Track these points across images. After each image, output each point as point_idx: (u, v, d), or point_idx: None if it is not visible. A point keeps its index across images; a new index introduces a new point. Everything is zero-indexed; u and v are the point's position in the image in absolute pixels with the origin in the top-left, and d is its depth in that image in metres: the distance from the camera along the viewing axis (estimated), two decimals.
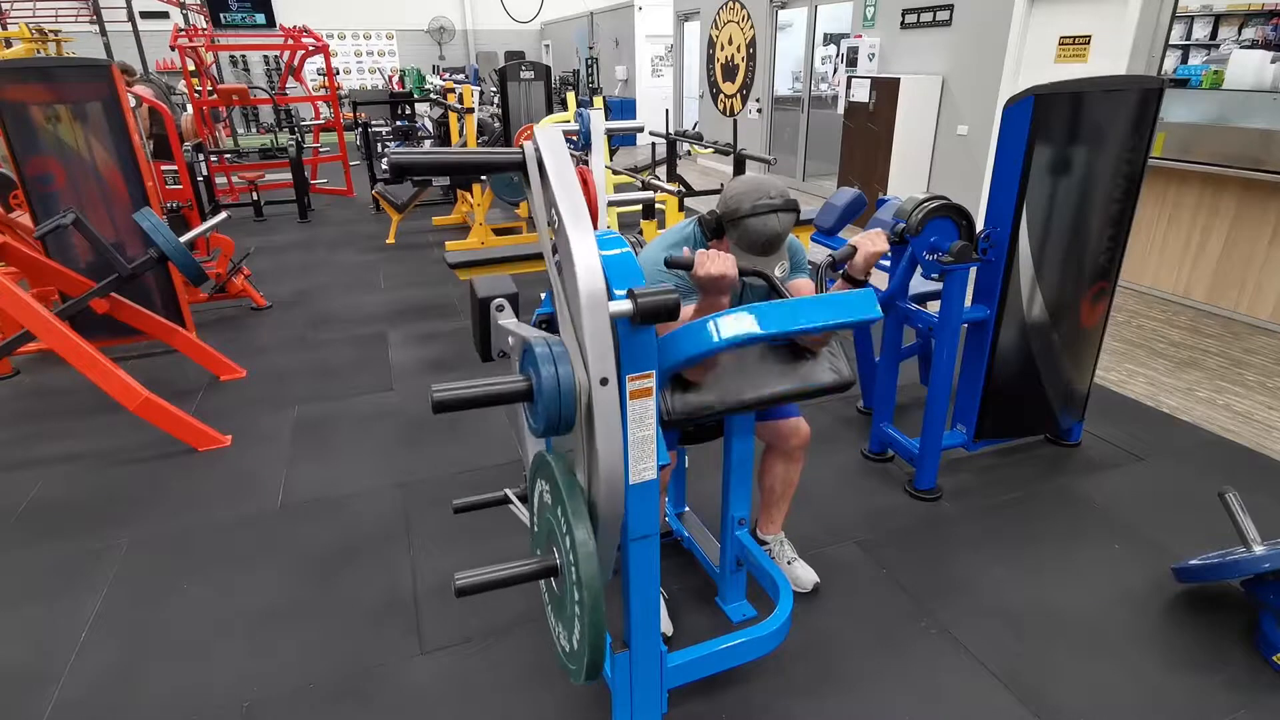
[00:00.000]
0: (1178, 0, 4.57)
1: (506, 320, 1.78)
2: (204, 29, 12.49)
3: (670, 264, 1.59)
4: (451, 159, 1.36)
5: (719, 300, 1.62)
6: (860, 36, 7.04)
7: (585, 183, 3.84)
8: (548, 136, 1.32)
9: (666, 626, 2.05)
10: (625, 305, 1.21)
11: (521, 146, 1.34)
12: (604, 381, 1.24)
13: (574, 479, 1.36)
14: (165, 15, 13.55)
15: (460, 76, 15.44)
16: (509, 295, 1.93)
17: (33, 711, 1.85)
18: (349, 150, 9.34)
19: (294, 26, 9.70)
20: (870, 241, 1.79)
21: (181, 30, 9.53)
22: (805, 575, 2.21)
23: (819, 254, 3.50)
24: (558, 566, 1.42)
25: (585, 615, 1.33)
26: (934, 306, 2.58)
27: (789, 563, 2.23)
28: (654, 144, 6.97)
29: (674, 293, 1.21)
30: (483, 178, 5.42)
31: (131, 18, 11.94)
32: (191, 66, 8.95)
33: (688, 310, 1.76)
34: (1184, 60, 6.59)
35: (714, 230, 1.79)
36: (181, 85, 10.43)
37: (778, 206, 1.69)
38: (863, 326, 1.71)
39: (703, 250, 1.60)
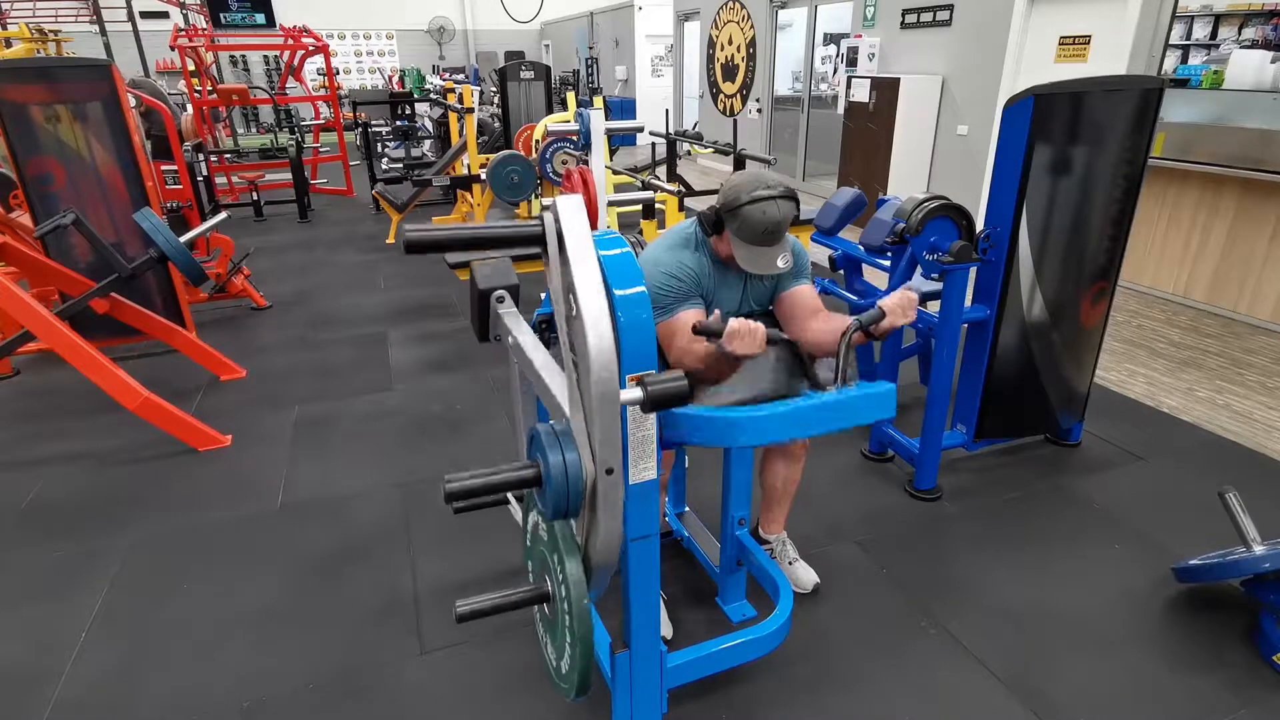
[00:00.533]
0: (1178, 0, 4.57)
1: (507, 309, 1.77)
2: (204, 29, 12.48)
3: (699, 330, 1.54)
4: (468, 235, 1.30)
5: (739, 363, 1.61)
6: (860, 36, 7.04)
7: (585, 183, 3.84)
8: (570, 211, 1.23)
9: (666, 629, 2.05)
10: (635, 394, 1.22)
11: (541, 218, 1.26)
12: (609, 471, 1.25)
13: (571, 534, 1.38)
14: (165, 15, 13.55)
15: (460, 76, 15.45)
16: (510, 287, 1.92)
17: (33, 711, 1.85)
18: (349, 150, 9.34)
19: (294, 26, 9.70)
20: (901, 313, 1.68)
21: (181, 30, 9.53)
22: (806, 576, 2.20)
23: (820, 254, 3.50)
24: (549, 594, 1.45)
25: (577, 649, 1.36)
26: (934, 306, 2.58)
27: (790, 563, 2.23)
28: (654, 144, 6.98)
29: (683, 380, 1.21)
30: (482, 177, 5.41)
31: (131, 18, 11.96)
32: (191, 66, 8.95)
33: (691, 314, 1.75)
34: (1184, 60, 6.60)
35: (713, 225, 1.77)
36: (180, 85, 10.43)
37: (776, 194, 1.67)
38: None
39: (737, 321, 1.52)
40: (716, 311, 1.60)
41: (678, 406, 1.23)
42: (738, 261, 1.73)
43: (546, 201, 1.27)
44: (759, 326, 1.53)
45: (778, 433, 1.47)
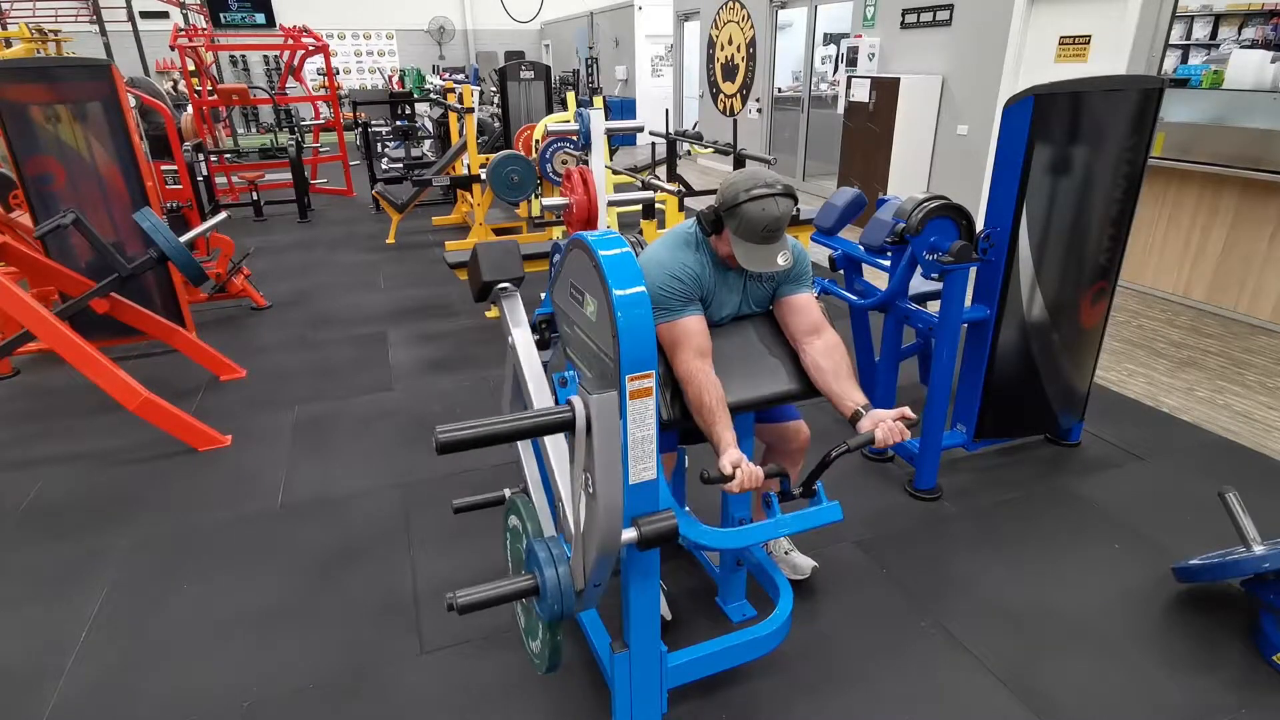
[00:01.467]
0: (1178, 0, 4.57)
1: (509, 296, 1.80)
2: (204, 29, 12.49)
3: (706, 480, 1.62)
4: (503, 429, 1.31)
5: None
6: (860, 36, 7.04)
7: (585, 183, 3.84)
8: (602, 410, 1.26)
9: (665, 612, 2.06)
10: (632, 535, 1.38)
11: (572, 404, 1.28)
12: (597, 585, 1.44)
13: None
14: (165, 15, 13.55)
15: (460, 76, 15.45)
16: (514, 280, 1.93)
17: (33, 711, 1.85)
18: (349, 150, 9.33)
19: (294, 26, 9.71)
20: (888, 442, 1.69)
21: (181, 30, 9.53)
22: (803, 562, 2.22)
23: (820, 254, 3.50)
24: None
25: (547, 641, 1.53)
26: (934, 306, 2.58)
27: (786, 553, 2.23)
28: (654, 144, 6.97)
29: (672, 520, 1.40)
30: (482, 177, 5.41)
31: (131, 18, 11.96)
32: (191, 66, 8.95)
33: (692, 321, 1.75)
34: (1184, 60, 6.59)
35: (713, 224, 1.75)
36: (180, 87, 10.44)
37: (775, 192, 1.66)
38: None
39: (738, 483, 1.59)
40: (723, 462, 1.62)
41: (668, 543, 1.41)
42: (737, 260, 1.71)
43: (581, 398, 1.30)
44: (757, 479, 1.61)
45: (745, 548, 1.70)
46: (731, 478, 1.59)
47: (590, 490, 1.31)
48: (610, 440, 1.28)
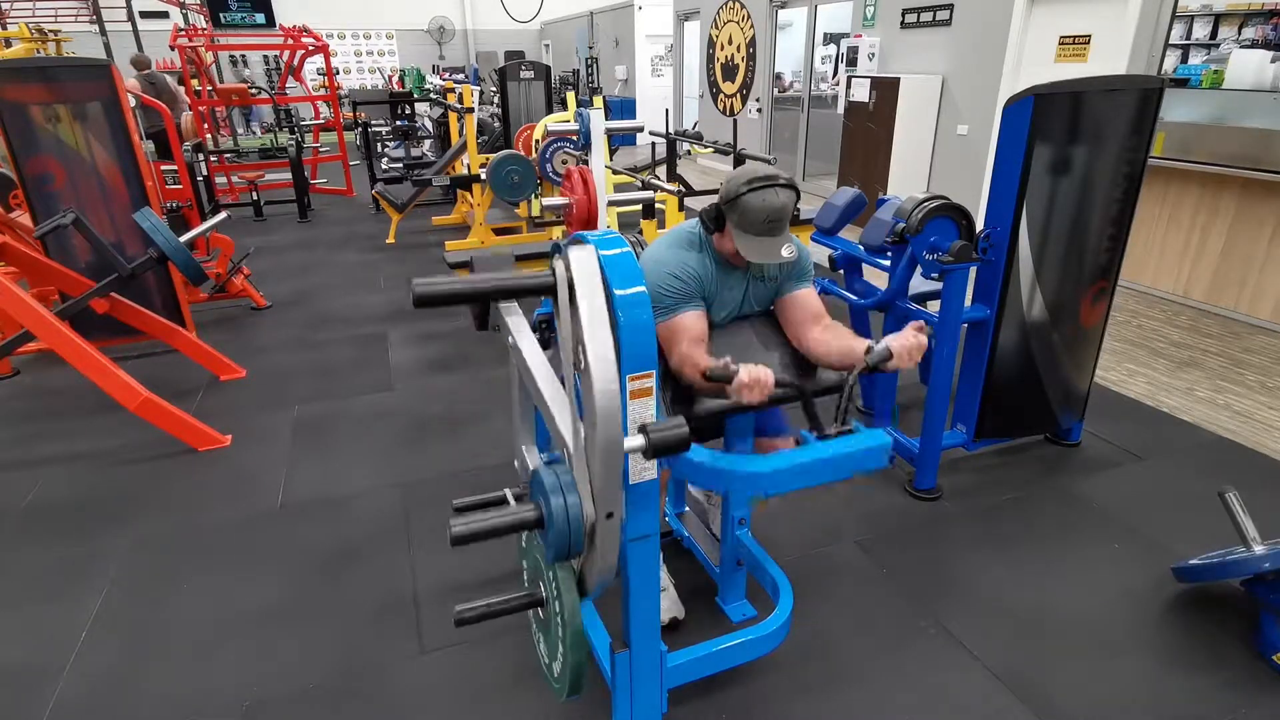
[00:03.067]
0: (1177, 0, 4.57)
1: (508, 306, 1.77)
2: (204, 29, 12.49)
3: (709, 376, 1.52)
4: (479, 288, 1.30)
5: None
6: (860, 36, 7.04)
7: (585, 183, 3.84)
8: (583, 262, 1.22)
9: (678, 610, 2.06)
10: (638, 442, 1.24)
11: (552, 268, 1.25)
12: (610, 515, 1.29)
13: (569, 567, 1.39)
14: (165, 15, 13.54)
15: (460, 76, 15.44)
16: None
17: (33, 711, 1.85)
18: (349, 150, 9.33)
19: (294, 26, 9.70)
20: (908, 356, 1.64)
21: (181, 30, 9.53)
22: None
23: (820, 254, 3.49)
24: (543, 599, 1.48)
25: (568, 655, 1.38)
26: (934, 306, 2.58)
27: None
28: (654, 144, 6.97)
29: (684, 427, 1.24)
30: (482, 177, 5.41)
31: (131, 17, 11.96)
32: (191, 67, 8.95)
33: (691, 317, 1.75)
34: (1184, 60, 6.59)
35: (714, 220, 1.74)
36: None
37: (776, 183, 1.65)
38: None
39: (746, 371, 1.50)
40: (727, 358, 1.56)
41: (678, 453, 1.27)
42: (741, 254, 1.69)
43: (560, 258, 1.25)
44: (768, 378, 1.52)
45: (775, 485, 1.53)
46: (735, 372, 1.49)
47: (582, 364, 1.22)
48: (597, 302, 1.22)
